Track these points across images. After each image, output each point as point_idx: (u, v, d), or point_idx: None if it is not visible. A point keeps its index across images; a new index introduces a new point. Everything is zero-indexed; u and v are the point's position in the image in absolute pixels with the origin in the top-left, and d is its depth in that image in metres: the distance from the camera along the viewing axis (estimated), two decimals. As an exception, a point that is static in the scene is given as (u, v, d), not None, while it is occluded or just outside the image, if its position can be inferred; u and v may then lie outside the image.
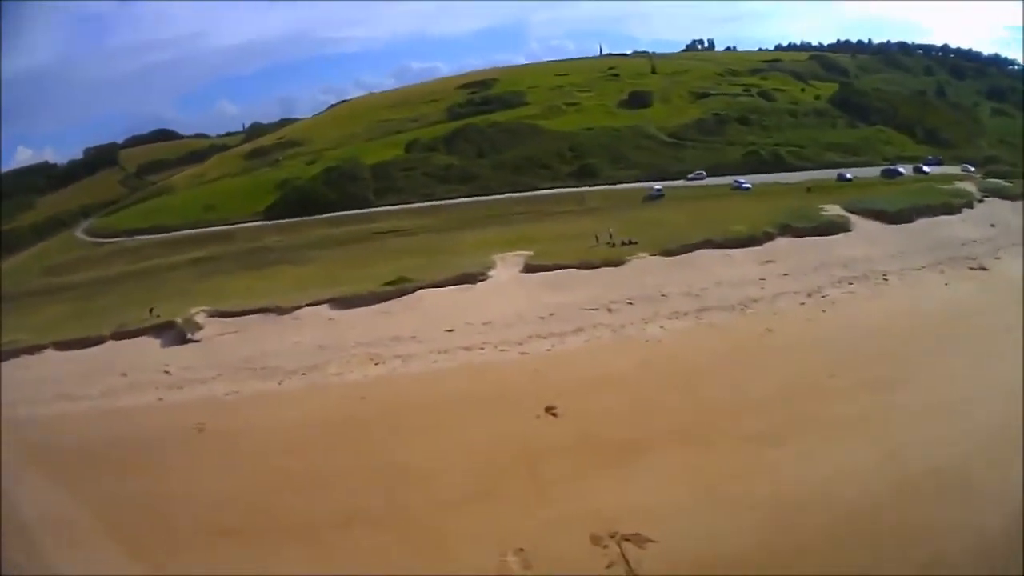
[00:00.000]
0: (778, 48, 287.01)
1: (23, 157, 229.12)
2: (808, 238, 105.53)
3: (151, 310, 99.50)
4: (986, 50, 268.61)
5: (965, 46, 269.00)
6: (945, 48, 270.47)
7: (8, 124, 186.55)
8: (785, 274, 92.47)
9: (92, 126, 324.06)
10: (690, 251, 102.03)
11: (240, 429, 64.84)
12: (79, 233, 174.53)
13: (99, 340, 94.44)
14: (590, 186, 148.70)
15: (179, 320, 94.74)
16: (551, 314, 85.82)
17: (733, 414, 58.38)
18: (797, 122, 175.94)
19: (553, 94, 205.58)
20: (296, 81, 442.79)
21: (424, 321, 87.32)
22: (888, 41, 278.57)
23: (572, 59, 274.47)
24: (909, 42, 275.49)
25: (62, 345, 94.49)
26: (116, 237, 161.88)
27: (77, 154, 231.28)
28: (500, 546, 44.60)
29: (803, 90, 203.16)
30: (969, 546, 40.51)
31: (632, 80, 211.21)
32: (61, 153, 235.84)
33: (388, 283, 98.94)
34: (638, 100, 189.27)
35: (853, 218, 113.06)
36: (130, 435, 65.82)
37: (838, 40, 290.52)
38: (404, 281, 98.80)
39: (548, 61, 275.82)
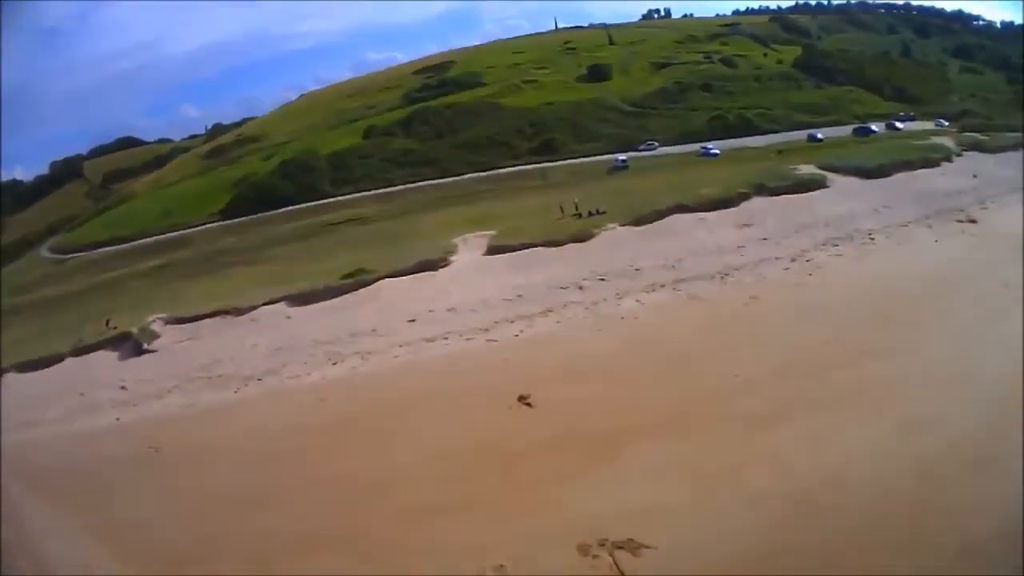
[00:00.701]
0: (736, 13, 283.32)
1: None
2: (785, 197, 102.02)
3: (107, 322, 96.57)
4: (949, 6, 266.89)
5: (928, 3, 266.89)
6: (907, 5, 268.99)
7: None
8: (765, 238, 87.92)
9: (60, 140, 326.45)
10: (662, 218, 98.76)
11: (196, 446, 60.24)
12: (44, 251, 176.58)
13: (59, 358, 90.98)
14: (552, 161, 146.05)
15: (135, 330, 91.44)
16: (518, 296, 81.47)
17: (724, 394, 53.03)
18: (762, 86, 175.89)
19: (510, 72, 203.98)
20: (257, 80, 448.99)
21: (384, 313, 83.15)
22: (848, 0, 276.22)
23: (528, 35, 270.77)
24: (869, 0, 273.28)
25: (23, 367, 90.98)
26: (78, 252, 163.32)
27: (45, 170, 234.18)
28: (477, 563, 39.00)
29: (765, 55, 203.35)
30: (998, 528, 35.93)
31: (590, 53, 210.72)
32: (31, 170, 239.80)
33: (345, 276, 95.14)
34: (597, 73, 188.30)
35: (829, 175, 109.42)
36: (86, 461, 61.39)
37: (796, 2, 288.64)
38: (362, 272, 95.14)
39: (504, 39, 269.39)
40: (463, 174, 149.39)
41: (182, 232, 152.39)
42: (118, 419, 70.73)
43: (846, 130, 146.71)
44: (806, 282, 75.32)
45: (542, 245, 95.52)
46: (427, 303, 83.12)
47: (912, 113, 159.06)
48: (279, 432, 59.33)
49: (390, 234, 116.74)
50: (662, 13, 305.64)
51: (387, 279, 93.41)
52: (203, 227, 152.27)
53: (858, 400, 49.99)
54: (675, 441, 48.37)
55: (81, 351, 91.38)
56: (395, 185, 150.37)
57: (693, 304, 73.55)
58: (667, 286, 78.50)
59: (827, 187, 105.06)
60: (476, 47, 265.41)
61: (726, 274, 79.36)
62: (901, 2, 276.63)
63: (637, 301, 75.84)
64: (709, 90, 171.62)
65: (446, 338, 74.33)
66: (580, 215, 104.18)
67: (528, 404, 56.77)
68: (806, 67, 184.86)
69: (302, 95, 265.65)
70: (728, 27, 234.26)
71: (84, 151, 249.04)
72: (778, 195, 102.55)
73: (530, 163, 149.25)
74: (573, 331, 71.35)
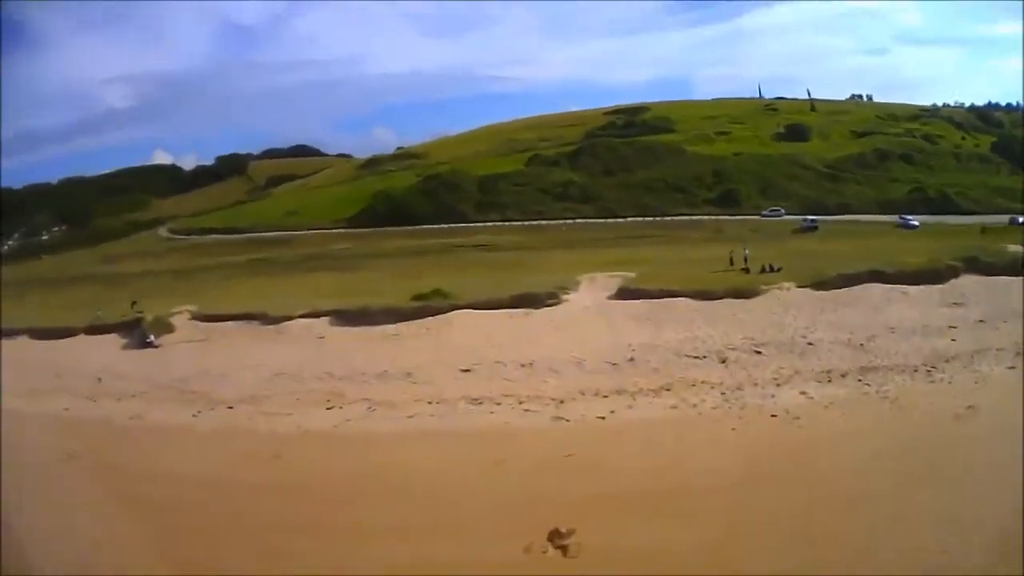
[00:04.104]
0: (932, 106, 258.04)
1: (159, 160, 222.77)
2: (999, 278, 69.68)
3: (133, 304, 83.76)
4: None
5: None
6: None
7: (147, 125, 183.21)
8: (981, 320, 57.99)
9: (237, 137, 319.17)
10: (851, 285, 68.56)
11: (107, 468, 42.84)
12: (162, 230, 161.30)
13: (71, 332, 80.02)
14: (731, 215, 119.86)
15: (148, 319, 77.41)
16: (630, 359, 54.61)
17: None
18: (961, 165, 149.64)
19: (704, 123, 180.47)
20: (454, 116, 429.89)
21: (439, 353, 60.22)
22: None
23: (730, 98, 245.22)
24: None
25: (38, 334, 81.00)
26: (190, 235, 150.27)
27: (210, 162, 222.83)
28: None
29: (963, 138, 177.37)
30: None
31: (789, 116, 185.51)
32: (203, 160, 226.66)
33: (416, 297, 72.98)
34: (795, 133, 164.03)
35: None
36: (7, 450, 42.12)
37: (989, 102, 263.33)
38: (438, 296, 72.61)
39: (708, 100, 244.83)
40: (626, 216, 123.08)
41: (297, 233, 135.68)
42: (66, 410, 57.06)
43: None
44: (1047, 386, 46.54)
45: (689, 296, 68.14)
46: (502, 350, 59.16)
47: None
48: (199, 482, 39.58)
49: (511, 264, 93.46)
50: (864, 98, 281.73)
51: (466, 310, 70.13)
52: (321, 231, 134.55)
53: None
54: None
55: (96, 330, 79.32)
56: (546, 218, 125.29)
57: (885, 408, 43.51)
58: (850, 375, 49.12)
59: (1049, 270, 77.10)
60: (674, 101, 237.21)
61: (932, 367, 49.36)
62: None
63: (802, 393, 46.63)
64: (909, 161, 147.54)
65: (498, 403, 49.50)
66: (748, 270, 77.29)
67: (562, 549, 29.28)
68: (1004, 151, 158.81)
69: (481, 127, 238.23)
70: (927, 111, 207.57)
71: (256, 151, 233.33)
72: (991, 275, 70.70)
73: (706, 214, 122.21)
74: (692, 426, 43.11)
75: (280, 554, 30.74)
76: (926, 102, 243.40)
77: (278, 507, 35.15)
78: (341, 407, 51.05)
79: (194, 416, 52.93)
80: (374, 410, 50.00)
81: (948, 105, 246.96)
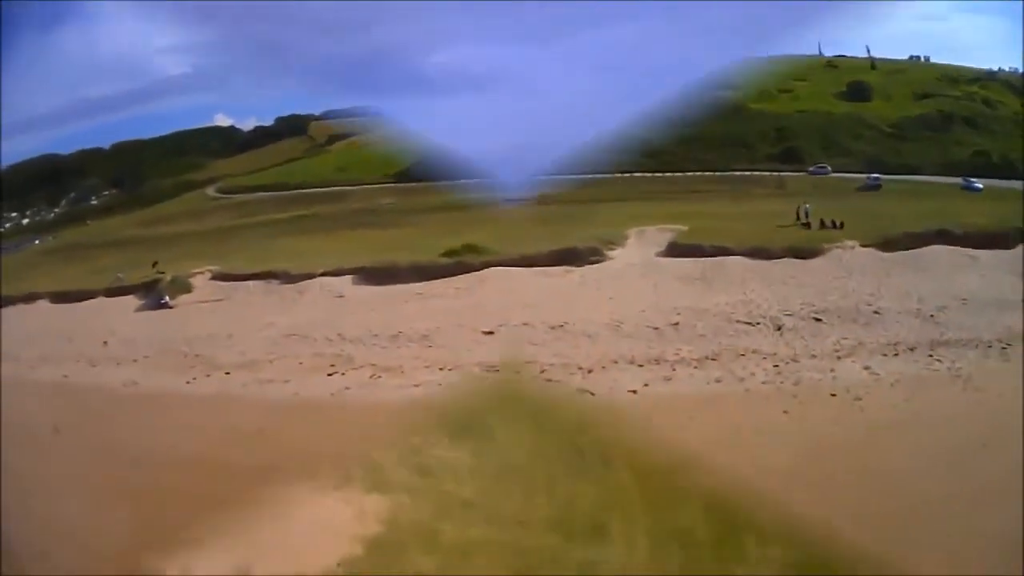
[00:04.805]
0: (990, 70, 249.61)
1: (219, 124, 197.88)
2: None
3: (154, 264, 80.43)
4: None
5: None
6: None
7: (208, 91, 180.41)
8: (1053, 293, 53.45)
9: (301, 100, 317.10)
10: (918, 246, 62.08)
11: (92, 445, 40.27)
12: (210, 190, 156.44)
13: (90, 295, 77.14)
14: (794, 171, 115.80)
15: (167, 279, 74.60)
16: (674, 323, 49.39)
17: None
18: (1022, 131, 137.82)
19: (765, 79, 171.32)
20: None
21: (463, 313, 55.41)
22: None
23: (789, 55, 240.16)
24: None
25: (58, 297, 78.22)
26: (238, 194, 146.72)
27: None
28: None
29: (1023, 105, 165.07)
30: None
31: (850, 74, 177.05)
32: (263, 122, 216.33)
33: (447, 253, 68.45)
34: (857, 92, 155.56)
35: None
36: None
37: None
38: (470, 252, 68.08)
39: (765, 57, 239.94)
40: (687, 170, 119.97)
41: (345, 188, 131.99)
42: (65, 376, 55.36)
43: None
44: None
45: (744, 254, 62.70)
46: (533, 310, 54.17)
47: None
48: (173, 461, 36.31)
49: (560, 218, 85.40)
50: (921, 59, 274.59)
51: (501, 267, 65.14)
52: (370, 186, 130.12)
53: None
54: None
55: (115, 292, 76.61)
56: (603, 172, 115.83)
57: (957, 389, 37.77)
58: (919, 349, 43.15)
59: None
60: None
61: (1007, 344, 42.98)
62: None
63: (866, 368, 41.19)
64: (973, 125, 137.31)
65: (517, 372, 45.00)
66: (809, 224, 72.18)
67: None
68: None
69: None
70: (985, 75, 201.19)
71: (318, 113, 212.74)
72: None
73: (768, 170, 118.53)
74: (736, 407, 37.92)
75: (230, 540, 27.90)
76: (981, 66, 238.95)
77: (249, 489, 31.01)
78: (343, 373, 47.47)
79: (188, 383, 50.10)
80: (379, 377, 46.23)
81: (1004, 70, 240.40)
